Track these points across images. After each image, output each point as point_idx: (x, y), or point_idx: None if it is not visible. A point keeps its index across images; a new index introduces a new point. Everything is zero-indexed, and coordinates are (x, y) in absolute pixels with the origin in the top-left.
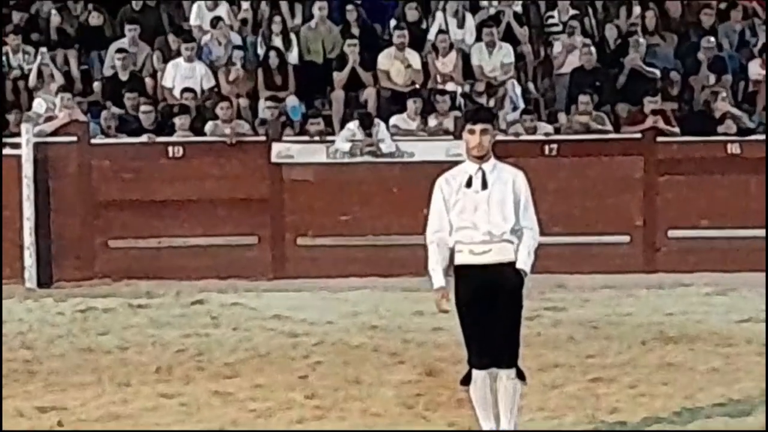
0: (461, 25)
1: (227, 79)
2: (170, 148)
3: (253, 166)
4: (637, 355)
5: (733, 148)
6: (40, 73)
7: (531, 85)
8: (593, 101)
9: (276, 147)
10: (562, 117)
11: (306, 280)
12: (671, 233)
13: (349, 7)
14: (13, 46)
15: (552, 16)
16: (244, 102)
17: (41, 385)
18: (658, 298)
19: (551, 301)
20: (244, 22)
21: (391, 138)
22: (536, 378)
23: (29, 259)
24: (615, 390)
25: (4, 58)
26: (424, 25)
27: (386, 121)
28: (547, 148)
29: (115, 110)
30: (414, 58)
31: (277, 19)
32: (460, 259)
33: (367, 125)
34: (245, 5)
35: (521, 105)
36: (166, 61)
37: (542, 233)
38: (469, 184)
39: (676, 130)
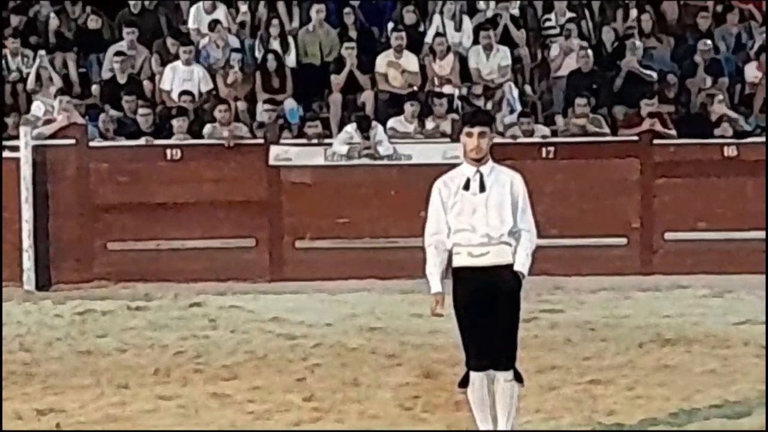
0: (458, 27)
1: (225, 82)
2: (168, 151)
3: (251, 169)
4: (634, 357)
5: (730, 151)
6: (38, 76)
7: (528, 88)
8: (590, 104)
9: (274, 150)
10: (559, 120)
11: (304, 283)
12: (668, 235)
13: (347, 10)
14: (11, 49)
15: (549, 19)
16: (242, 105)
17: (40, 388)
18: (655, 300)
19: (548, 303)
20: (242, 25)
21: (389, 141)
22: (533, 380)
23: (28, 262)
24: (612, 392)
25: (2, 61)
26: (421, 28)
27: (384, 124)
28: (544, 150)
29: (114, 113)
30: (411, 60)
31: (275, 22)
32: (458, 262)
33: (364, 128)
34: (243, 8)
35: (518, 108)
36: (164, 64)
37: (539, 235)
38: (467, 186)
39: (673, 132)
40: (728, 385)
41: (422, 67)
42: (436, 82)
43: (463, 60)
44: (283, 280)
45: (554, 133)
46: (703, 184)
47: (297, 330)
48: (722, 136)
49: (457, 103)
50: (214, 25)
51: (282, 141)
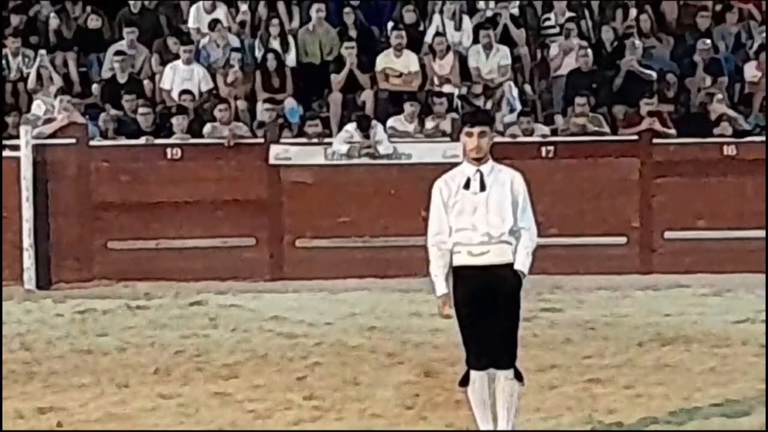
0: (458, 27)
1: (225, 81)
2: (168, 150)
3: (251, 168)
4: (633, 356)
5: (729, 150)
6: (39, 76)
7: (528, 87)
8: (590, 103)
9: (274, 149)
10: (558, 119)
11: (304, 282)
12: (667, 234)
13: (347, 9)
14: (12, 48)
15: (549, 19)
16: (242, 104)
17: (40, 386)
18: (654, 299)
19: (548, 302)
20: (242, 24)
21: (389, 140)
22: (533, 379)
23: (28, 261)
24: (612, 391)
25: (3, 60)
26: (421, 28)
27: (384, 123)
28: (543, 149)
29: (114, 112)
30: (411, 59)
31: (275, 21)
32: (459, 261)
33: (364, 127)
34: (243, 8)
35: (518, 107)
36: (164, 63)
37: (539, 234)
38: (467, 185)
39: (673, 131)
40: (728, 384)
41: (422, 67)
42: (436, 81)
43: (462, 59)
44: (284, 279)
45: (554, 133)
46: (702, 184)
47: (297, 329)
48: (722, 135)
49: (457, 102)
50: (214, 24)
51: (282, 140)
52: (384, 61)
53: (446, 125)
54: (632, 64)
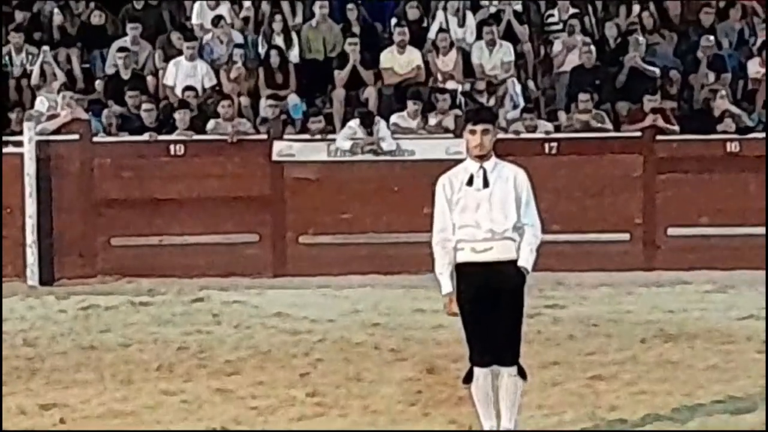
0: (462, 23)
1: (229, 77)
2: (172, 147)
3: (254, 165)
4: (636, 353)
5: (733, 146)
6: (42, 72)
7: (531, 84)
8: (593, 100)
9: (277, 145)
10: (562, 115)
11: (307, 278)
12: (671, 231)
13: (350, 5)
14: (15, 44)
15: (552, 15)
16: (245, 100)
17: (43, 383)
18: (657, 295)
19: (551, 298)
20: (245, 20)
21: (392, 136)
22: (536, 375)
23: (31, 257)
24: (615, 387)
25: (6, 56)
26: (424, 24)
27: (387, 120)
28: (547, 146)
29: (117, 108)
30: (415, 55)
31: (279, 17)
32: (462, 257)
33: (367, 123)
34: (247, 4)
35: (521, 103)
36: (167, 59)
37: (542, 231)
38: (470, 182)
39: (676, 128)
40: (730, 381)
41: (425, 63)
42: (440, 77)
43: (466, 56)
44: (287, 276)
45: (557, 129)
46: (705, 180)
47: (300, 325)
48: (725, 132)
49: (460, 98)
50: (217, 20)
51: (285, 136)
52: (387, 58)
53: (449, 122)
54: (635, 60)
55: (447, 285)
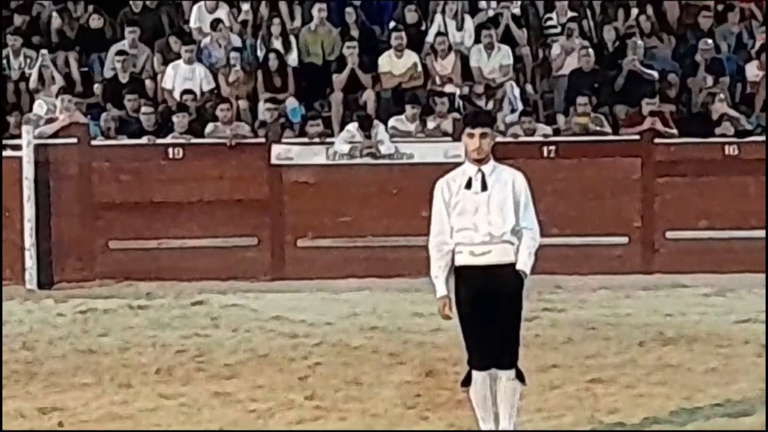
0: (460, 27)
1: (227, 81)
2: (170, 150)
3: (252, 168)
4: (635, 356)
5: (731, 150)
6: (40, 75)
7: (529, 87)
8: (591, 103)
9: (275, 149)
10: (560, 119)
11: (305, 281)
12: (669, 234)
13: (349, 9)
14: (14, 48)
15: (550, 18)
16: (243, 104)
17: (42, 386)
18: (656, 299)
19: (549, 302)
20: (243, 24)
21: (390, 140)
22: (535, 379)
23: (30, 261)
24: (613, 390)
25: (5, 60)
26: (423, 27)
27: (385, 123)
28: (545, 149)
29: (116, 112)
30: (413, 59)
31: (277, 21)
32: (461, 261)
33: (366, 127)
34: (245, 7)
35: (520, 107)
36: (166, 63)
37: (541, 234)
38: (468, 185)
39: (674, 131)
40: (729, 384)
41: (424, 67)
42: (438, 81)
43: (464, 59)
44: (285, 279)
45: (556, 132)
46: (704, 183)
47: (299, 329)
48: (723, 135)
49: (459, 102)
50: (215, 24)
51: (284, 140)
52: (385, 62)
53: (448, 125)
54: (634, 63)
55: (442, 288)
